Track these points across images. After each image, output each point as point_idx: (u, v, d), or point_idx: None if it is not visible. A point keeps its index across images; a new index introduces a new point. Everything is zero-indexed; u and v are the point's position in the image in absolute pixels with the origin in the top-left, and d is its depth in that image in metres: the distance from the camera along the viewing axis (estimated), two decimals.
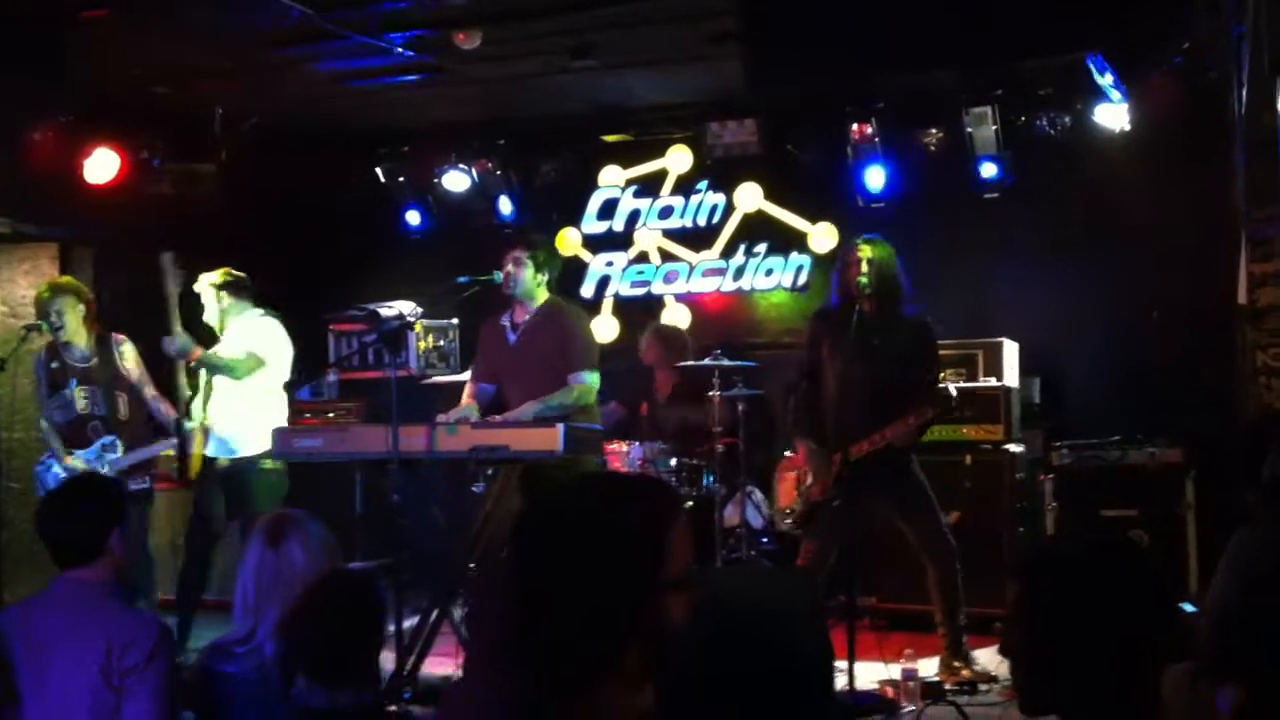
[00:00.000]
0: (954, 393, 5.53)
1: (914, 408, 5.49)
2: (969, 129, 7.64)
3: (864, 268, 5.65)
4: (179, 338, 6.27)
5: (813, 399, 5.83)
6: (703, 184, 8.79)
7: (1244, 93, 6.00)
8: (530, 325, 6.07)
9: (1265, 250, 6.00)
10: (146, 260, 6.49)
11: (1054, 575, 2.04)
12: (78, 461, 6.34)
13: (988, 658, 5.78)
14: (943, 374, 6.04)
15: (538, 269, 6.02)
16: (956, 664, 5.68)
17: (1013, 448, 6.95)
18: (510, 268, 5.99)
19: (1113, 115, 7.35)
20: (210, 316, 6.70)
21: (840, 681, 4.96)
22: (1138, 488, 6.65)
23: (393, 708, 4.94)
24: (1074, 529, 6.38)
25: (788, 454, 6.48)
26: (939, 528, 5.74)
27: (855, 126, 7.89)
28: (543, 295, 6.11)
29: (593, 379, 5.97)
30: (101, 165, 7.84)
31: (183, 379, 6.48)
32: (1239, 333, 6.18)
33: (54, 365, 6.46)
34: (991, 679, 5.57)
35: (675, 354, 7.64)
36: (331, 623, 2.98)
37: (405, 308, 8.40)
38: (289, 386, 6.64)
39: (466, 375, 6.53)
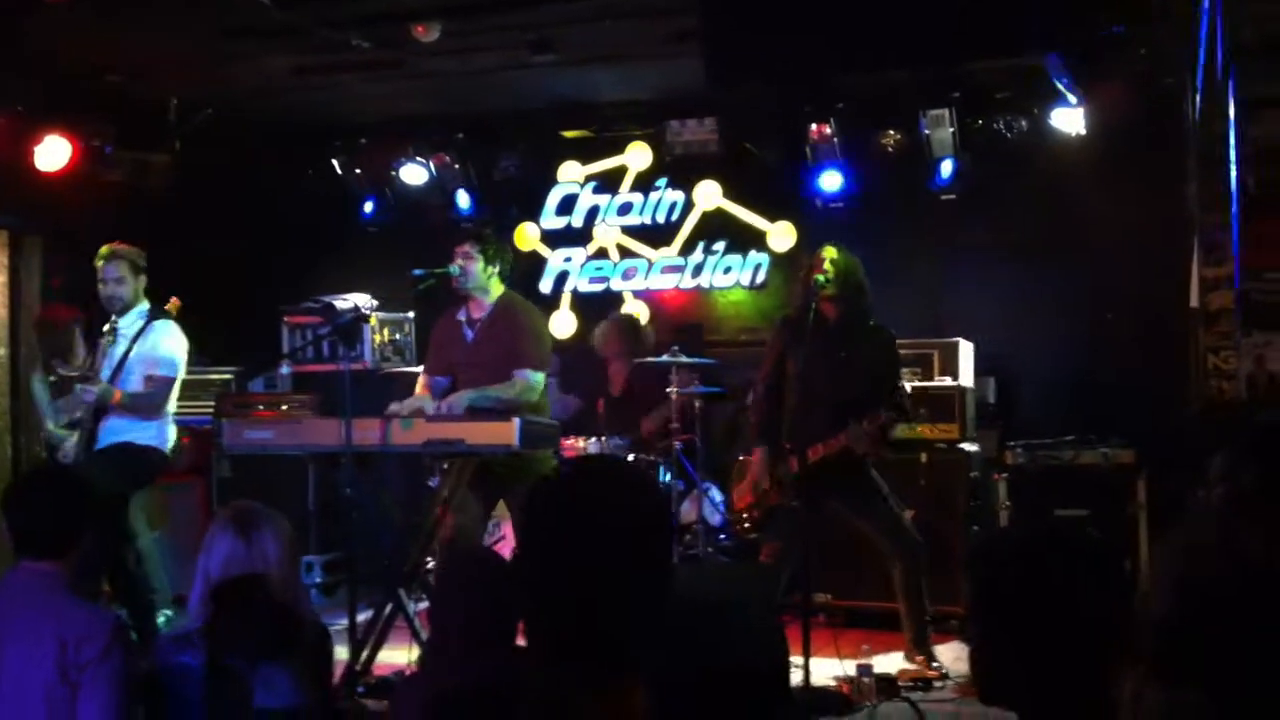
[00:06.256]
0: (908, 390, 5.58)
1: (869, 413, 5.54)
2: (927, 131, 7.68)
3: (826, 266, 5.70)
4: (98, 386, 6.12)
5: (774, 406, 5.85)
6: (662, 181, 8.78)
7: (1198, 99, 6.07)
8: (487, 322, 6.05)
9: (1217, 255, 6.07)
10: (98, 250, 6.38)
11: (1004, 564, 2.05)
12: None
13: (946, 655, 5.82)
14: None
15: (488, 261, 5.99)
16: (919, 660, 5.72)
17: (967, 447, 6.99)
18: (460, 262, 5.96)
19: (1069, 119, 7.41)
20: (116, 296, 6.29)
21: (796, 678, 4.97)
22: (1090, 488, 6.70)
23: (346, 703, 4.92)
24: (1027, 519, 6.44)
25: (742, 457, 6.47)
26: (899, 524, 5.78)
27: (814, 127, 7.91)
28: (497, 289, 6.08)
29: (536, 378, 5.93)
30: (52, 153, 7.72)
31: None
32: (1191, 336, 6.25)
33: None
34: (944, 675, 5.61)
35: (635, 346, 7.62)
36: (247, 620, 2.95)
37: (361, 300, 8.37)
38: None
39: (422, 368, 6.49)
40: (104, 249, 6.29)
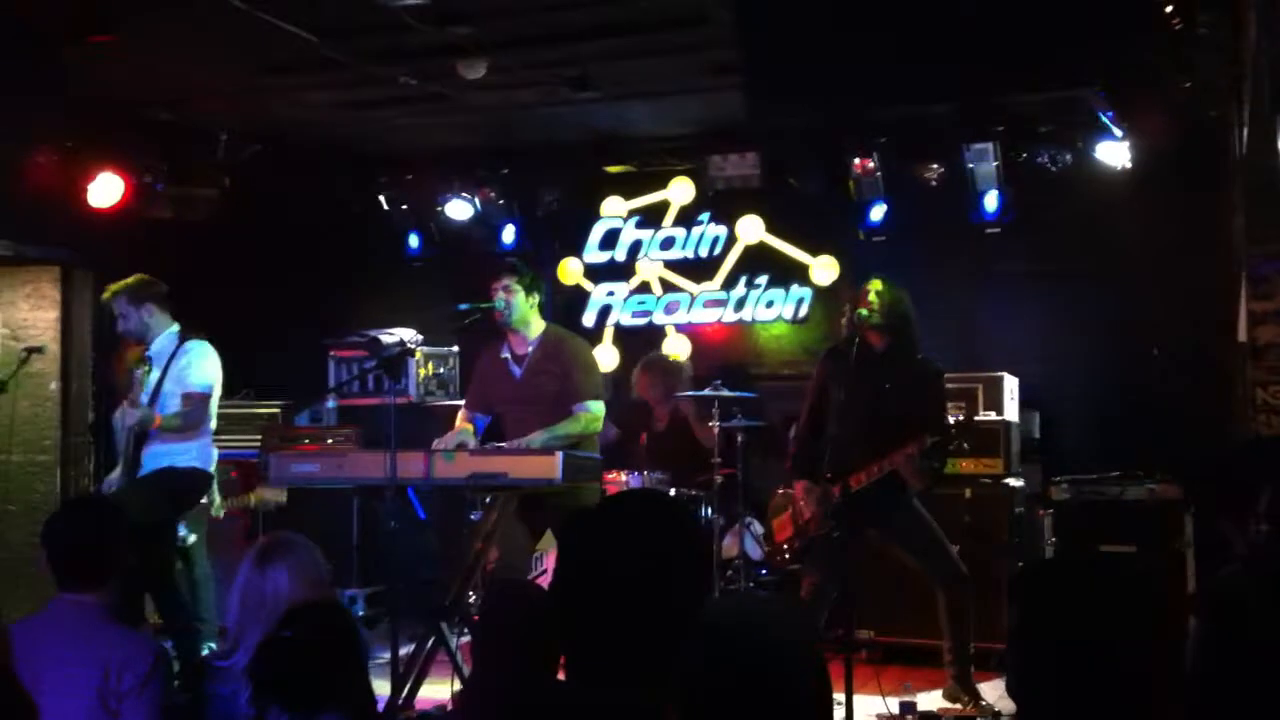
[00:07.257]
0: (951, 420, 5.56)
1: (913, 437, 5.52)
2: (970, 164, 7.66)
3: (871, 299, 5.71)
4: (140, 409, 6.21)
5: (814, 440, 5.83)
6: (704, 215, 8.80)
7: (1244, 132, 6.02)
8: (535, 359, 6.04)
9: (1265, 288, 6.01)
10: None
11: (1052, 589, 2.04)
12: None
13: (990, 693, 5.75)
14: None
15: (528, 292, 6.02)
16: (963, 697, 5.65)
17: (1012, 482, 6.94)
18: (502, 295, 5.98)
19: (1114, 152, 7.37)
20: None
21: (838, 715, 4.93)
22: (1136, 524, 6.62)
23: None
24: (1072, 550, 6.38)
25: (782, 490, 6.44)
26: (945, 554, 5.74)
27: (857, 160, 7.91)
28: (538, 322, 6.11)
29: (597, 408, 5.97)
30: (106, 189, 7.84)
31: None
32: (1239, 370, 6.18)
33: None
34: (996, 714, 5.54)
35: (673, 385, 7.63)
36: (298, 655, 2.94)
37: (406, 334, 8.44)
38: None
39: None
40: (104, 294, 6.48)
